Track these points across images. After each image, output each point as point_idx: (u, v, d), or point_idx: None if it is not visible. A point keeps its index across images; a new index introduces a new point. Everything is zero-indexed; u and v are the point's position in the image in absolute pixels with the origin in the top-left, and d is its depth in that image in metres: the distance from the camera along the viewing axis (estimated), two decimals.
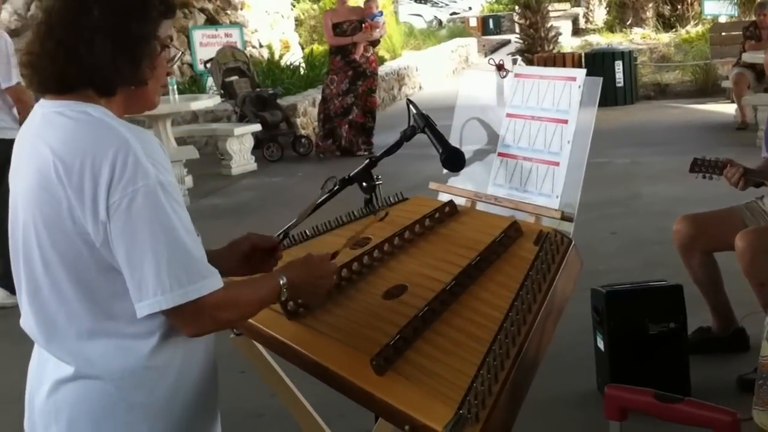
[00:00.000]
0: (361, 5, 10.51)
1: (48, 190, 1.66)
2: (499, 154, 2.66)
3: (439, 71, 18.22)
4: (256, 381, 2.94)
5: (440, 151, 2.51)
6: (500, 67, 2.78)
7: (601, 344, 3.72)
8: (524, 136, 2.60)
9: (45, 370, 1.79)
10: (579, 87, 2.51)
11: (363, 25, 9.93)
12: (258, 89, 10.77)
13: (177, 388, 1.79)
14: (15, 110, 5.45)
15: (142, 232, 1.62)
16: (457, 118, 2.84)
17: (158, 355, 1.73)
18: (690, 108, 12.10)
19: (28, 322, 1.80)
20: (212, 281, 1.68)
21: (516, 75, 2.72)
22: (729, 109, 11.02)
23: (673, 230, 4.06)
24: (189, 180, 8.87)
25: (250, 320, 2.20)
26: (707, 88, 13.19)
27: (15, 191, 1.77)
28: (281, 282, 1.83)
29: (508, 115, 2.68)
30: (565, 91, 2.54)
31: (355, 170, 2.66)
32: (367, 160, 2.67)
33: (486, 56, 20.78)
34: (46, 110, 1.74)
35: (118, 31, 1.68)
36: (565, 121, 2.51)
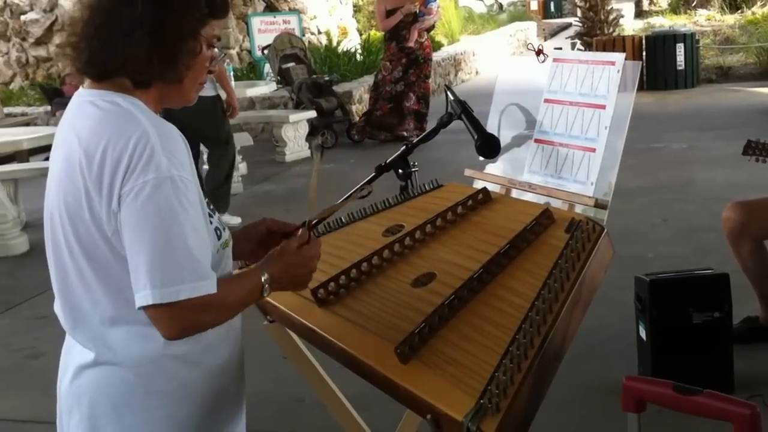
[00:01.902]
0: None
1: (71, 179, 1.69)
2: (536, 141, 2.63)
3: (497, 56, 18.08)
4: None
5: (475, 137, 2.50)
6: (539, 52, 2.74)
7: (643, 333, 3.65)
8: (561, 121, 2.57)
9: (71, 356, 1.83)
10: (618, 71, 2.47)
11: (417, 11, 9.87)
12: (314, 76, 10.80)
13: (198, 377, 1.79)
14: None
15: (145, 223, 1.61)
16: (496, 104, 2.82)
17: (177, 344, 1.72)
18: (752, 91, 11.81)
19: (57, 307, 1.84)
20: (207, 284, 1.64)
21: (554, 60, 2.69)
22: None
23: (723, 217, 3.97)
24: (243, 167, 8.93)
25: (281, 306, 2.22)
26: None
27: (49, 177, 1.81)
28: (263, 279, 1.77)
29: (546, 101, 2.65)
30: (603, 76, 2.50)
31: (392, 157, 2.66)
32: (404, 147, 2.68)
33: (545, 40, 20.54)
34: (81, 99, 1.76)
35: (158, 27, 1.68)
36: (603, 107, 2.47)
